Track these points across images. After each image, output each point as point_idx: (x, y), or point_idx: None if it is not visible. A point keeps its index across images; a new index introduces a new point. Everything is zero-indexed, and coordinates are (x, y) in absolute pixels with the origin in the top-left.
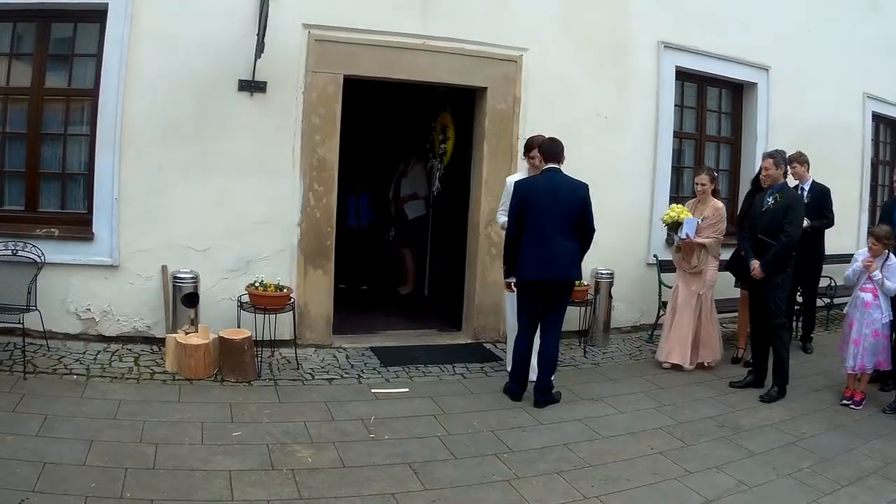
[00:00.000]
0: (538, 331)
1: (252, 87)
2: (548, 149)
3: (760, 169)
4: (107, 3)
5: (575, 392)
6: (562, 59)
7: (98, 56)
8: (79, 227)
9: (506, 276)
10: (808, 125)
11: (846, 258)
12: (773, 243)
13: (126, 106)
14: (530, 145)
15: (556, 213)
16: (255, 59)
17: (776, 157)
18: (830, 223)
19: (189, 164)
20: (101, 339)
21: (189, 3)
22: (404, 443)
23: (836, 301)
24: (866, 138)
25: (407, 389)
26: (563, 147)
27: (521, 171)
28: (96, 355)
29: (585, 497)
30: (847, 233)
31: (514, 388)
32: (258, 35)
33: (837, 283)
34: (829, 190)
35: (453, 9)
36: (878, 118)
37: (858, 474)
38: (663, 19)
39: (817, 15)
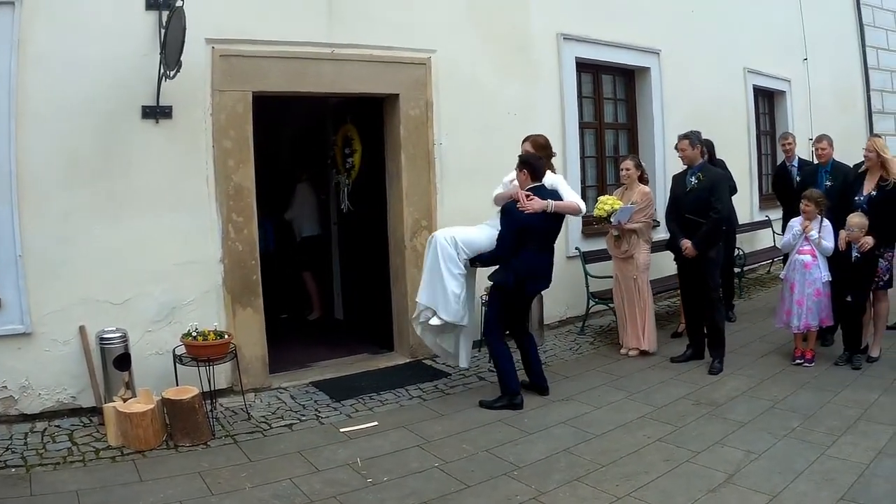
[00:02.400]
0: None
1: (157, 113)
2: (536, 167)
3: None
4: None
5: (541, 395)
6: (469, 58)
7: None
8: None
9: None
10: (697, 104)
11: (745, 228)
12: (702, 221)
13: (19, 146)
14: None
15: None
16: (159, 82)
17: (691, 137)
18: (734, 191)
19: (97, 207)
20: (24, 418)
21: (83, 22)
22: (408, 481)
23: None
24: (750, 111)
25: (376, 423)
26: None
27: (500, 186)
28: (25, 439)
29: (618, 497)
30: (741, 203)
31: (519, 392)
32: (161, 53)
33: (745, 253)
34: (723, 162)
35: (359, 13)
36: (757, 91)
37: (846, 423)
38: (561, 11)
39: None
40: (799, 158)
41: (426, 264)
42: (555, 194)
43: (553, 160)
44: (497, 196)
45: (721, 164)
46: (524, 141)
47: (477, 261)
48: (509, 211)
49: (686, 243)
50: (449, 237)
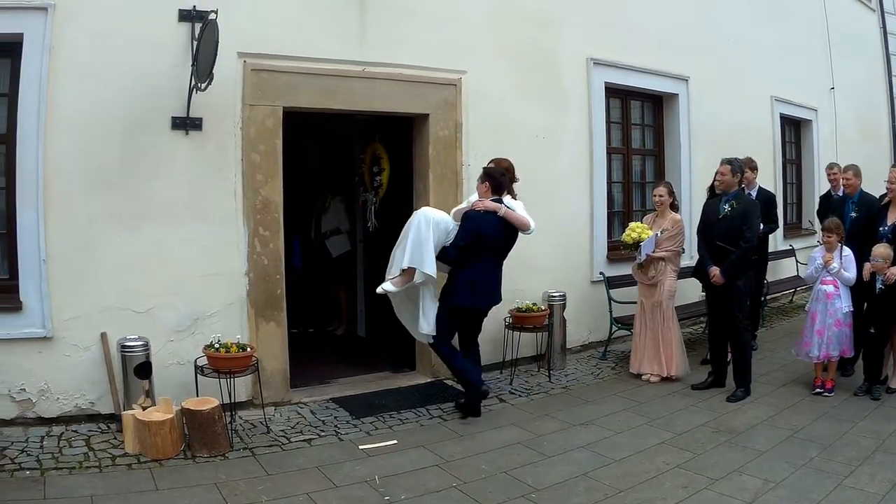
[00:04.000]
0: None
1: (187, 124)
2: (497, 180)
3: (715, 176)
4: (21, 34)
5: (561, 419)
6: (498, 81)
7: (12, 95)
8: (3, 295)
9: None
10: (725, 131)
11: (769, 256)
12: (732, 249)
13: (48, 151)
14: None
15: (502, 243)
16: (190, 94)
17: (734, 164)
18: (776, 227)
19: (122, 214)
20: (41, 421)
21: (115, 31)
22: (426, 500)
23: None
24: (776, 139)
25: (395, 441)
26: (506, 179)
27: (464, 202)
28: (41, 442)
29: None
30: None
31: (482, 381)
32: (193, 65)
33: (768, 282)
34: (774, 196)
35: (391, 32)
36: (784, 119)
37: (863, 454)
38: (591, 36)
39: (729, 25)
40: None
41: (413, 232)
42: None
43: (581, 185)
44: (455, 211)
45: (771, 199)
46: (489, 163)
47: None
48: (467, 216)
49: (714, 271)
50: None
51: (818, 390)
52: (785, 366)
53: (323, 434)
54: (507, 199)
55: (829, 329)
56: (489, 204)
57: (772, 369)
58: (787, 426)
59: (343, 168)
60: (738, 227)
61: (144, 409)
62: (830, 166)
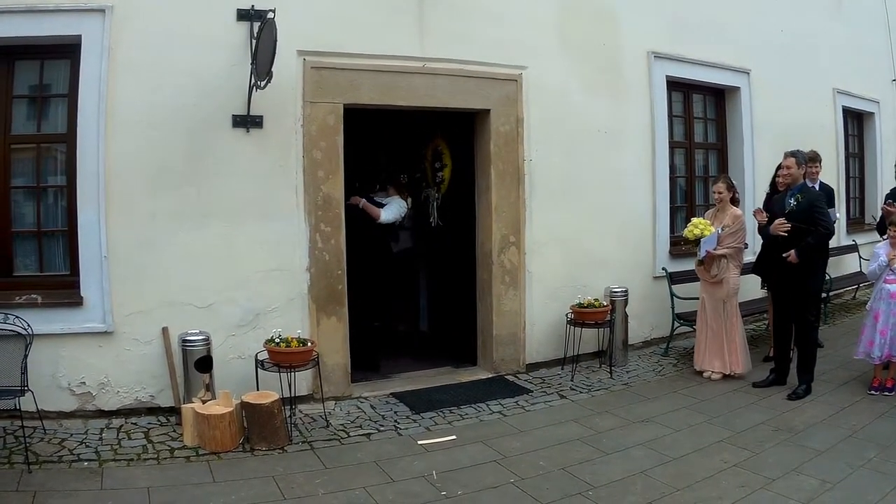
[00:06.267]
0: None
1: (248, 122)
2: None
3: (776, 170)
4: (80, 35)
5: (621, 416)
6: (559, 75)
7: (71, 95)
8: (64, 290)
9: None
10: (787, 124)
11: (832, 252)
12: (808, 228)
13: (108, 150)
14: None
15: None
16: (250, 92)
17: (798, 156)
18: (835, 221)
19: (183, 212)
20: (101, 414)
21: (173, 31)
22: (482, 496)
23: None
24: (839, 132)
25: (454, 437)
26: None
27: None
28: (100, 434)
29: None
30: None
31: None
32: (252, 64)
33: (831, 278)
34: (833, 191)
35: (450, 27)
36: (845, 112)
37: None
38: (651, 29)
39: (790, 17)
40: None
41: None
42: (381, 205)
43: (644, 180)
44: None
45: (830, 194)
46: None
47: None
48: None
49: (790, 253)
50: None
51: (873, 392)
52: (846, 364)
53: (382, 429)
54: (391, 197)
55: (892, 329)
56: (353, 199)
57: (833, 367)
58: (847, 426)
59: (406, 164)
60: (804, 220)
61: (204, 402)
62: None
